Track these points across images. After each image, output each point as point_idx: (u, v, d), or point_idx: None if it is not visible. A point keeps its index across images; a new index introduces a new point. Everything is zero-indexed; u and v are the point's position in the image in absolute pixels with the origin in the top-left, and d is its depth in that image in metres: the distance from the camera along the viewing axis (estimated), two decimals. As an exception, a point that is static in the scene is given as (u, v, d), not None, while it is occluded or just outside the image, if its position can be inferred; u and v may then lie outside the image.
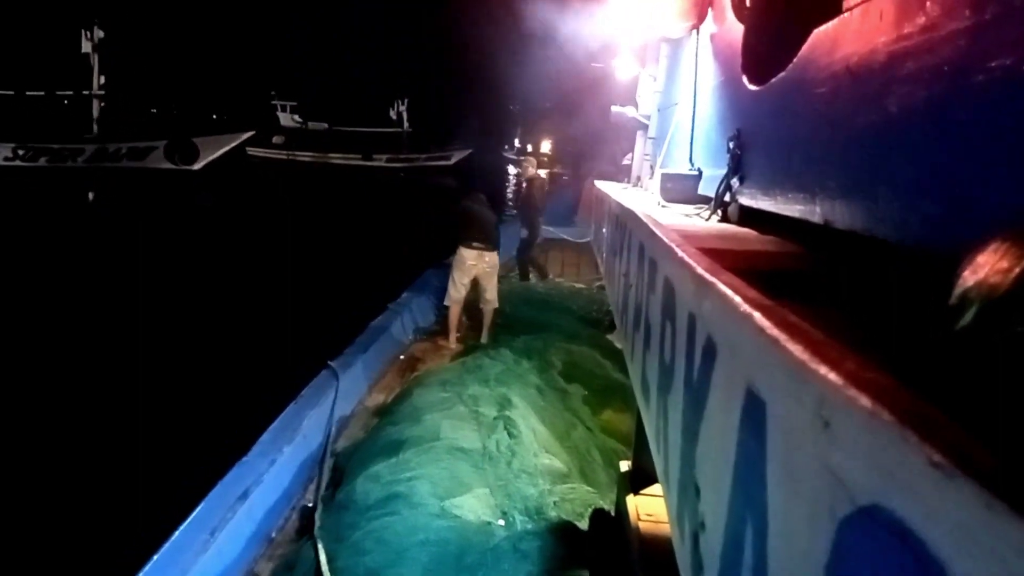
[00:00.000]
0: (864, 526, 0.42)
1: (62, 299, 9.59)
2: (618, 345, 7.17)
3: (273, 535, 3.91)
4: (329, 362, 5.66)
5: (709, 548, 0.81)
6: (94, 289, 10.14)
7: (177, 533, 3.29)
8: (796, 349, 0.54)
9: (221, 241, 15.07)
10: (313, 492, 4.30)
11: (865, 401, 0.42)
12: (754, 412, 0.63)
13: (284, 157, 48.62)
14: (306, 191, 29.58)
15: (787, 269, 1.33)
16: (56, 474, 4.96)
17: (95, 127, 24.76)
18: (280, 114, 54.70)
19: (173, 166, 24.59)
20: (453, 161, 49.61)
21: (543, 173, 10.14)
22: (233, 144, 25.10)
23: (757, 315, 0.65)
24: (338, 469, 4.48)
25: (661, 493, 1.22)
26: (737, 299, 0.73)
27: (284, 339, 7.90)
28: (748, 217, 2.05)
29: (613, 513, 3.60)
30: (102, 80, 24.94)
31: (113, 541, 3.84)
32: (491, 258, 7.30)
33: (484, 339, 7.27)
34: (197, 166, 24.74)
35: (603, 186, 5.19)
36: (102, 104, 25.10)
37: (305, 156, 49.42)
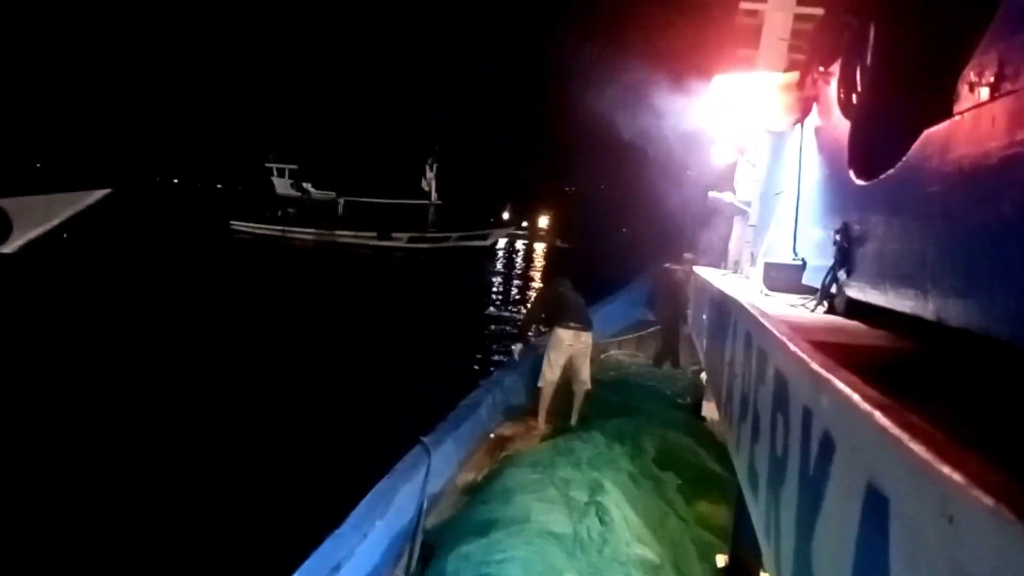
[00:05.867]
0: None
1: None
2: (707, 416, 6.93)
3: None
4: (421, 437, 5.73)
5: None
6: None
7: None
8: (919, 449, 0.57)
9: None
10: (403, 569, 4.32)
11: (988, 500, 0.45)
12: (876, 508, 0.66)
13: (278, 234, 39.97)
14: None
15: (901, 366, 1.33)
16: (163, 542, 5.21)
17: None
18: (275, 179, 44.38)
19: (-40, 249, 12.64)
20: (490, 242, 43.50)
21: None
22: (74, 211, 13.10)
23: (878, 414, 0.68)
24: (428, 546, 4.49)
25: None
26: (856, 397, 0.76)
27: (377, 412, 8.12)
28: (855, 310, 2.04)
29: (709, 610, 3.47)
30: None
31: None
32: (586, 338, 7.34)
33: (574, 420, 7.22)
34: (9, 248, 12.99)
35: (702, 272, 5.19)
36: None
37: (305, 234, 40.35)
